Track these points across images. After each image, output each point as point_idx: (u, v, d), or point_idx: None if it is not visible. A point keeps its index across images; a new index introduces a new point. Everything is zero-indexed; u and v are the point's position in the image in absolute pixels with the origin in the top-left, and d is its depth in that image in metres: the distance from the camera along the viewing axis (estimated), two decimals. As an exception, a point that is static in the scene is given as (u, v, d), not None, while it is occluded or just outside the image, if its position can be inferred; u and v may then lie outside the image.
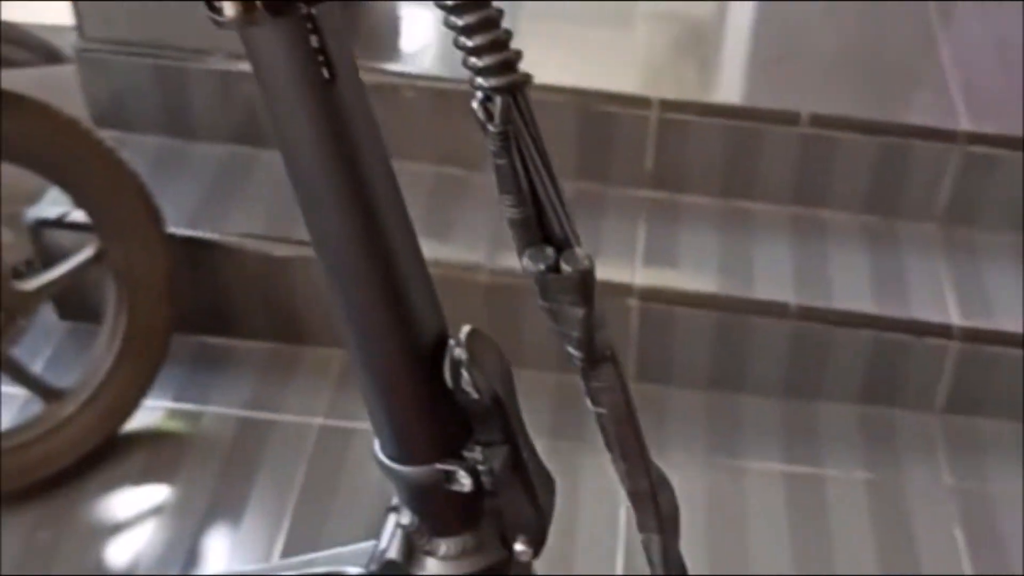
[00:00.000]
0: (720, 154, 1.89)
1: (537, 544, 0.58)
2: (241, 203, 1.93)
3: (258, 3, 0.47)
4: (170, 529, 1.71)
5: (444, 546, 0.58)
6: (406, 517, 0.58)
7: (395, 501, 0.62)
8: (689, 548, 0.59)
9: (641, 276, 1.80)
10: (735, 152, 1.90)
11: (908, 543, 1.67)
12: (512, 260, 1.69)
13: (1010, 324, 1.76)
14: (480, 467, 0.55)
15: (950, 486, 1.75)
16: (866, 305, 1.76)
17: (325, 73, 0.49)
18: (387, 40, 2.05)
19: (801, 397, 1.85)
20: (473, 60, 0.46)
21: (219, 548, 1.71)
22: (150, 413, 1.85)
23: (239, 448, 1.82)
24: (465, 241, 1.87)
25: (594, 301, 0.46)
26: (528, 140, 0.47)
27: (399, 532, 0.58)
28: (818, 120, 1.82)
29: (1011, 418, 1.83)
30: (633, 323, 1.80)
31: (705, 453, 1.78)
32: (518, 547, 0.58)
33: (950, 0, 2.18)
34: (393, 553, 0.58)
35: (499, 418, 0.54)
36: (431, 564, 0.58)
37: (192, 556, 1.68)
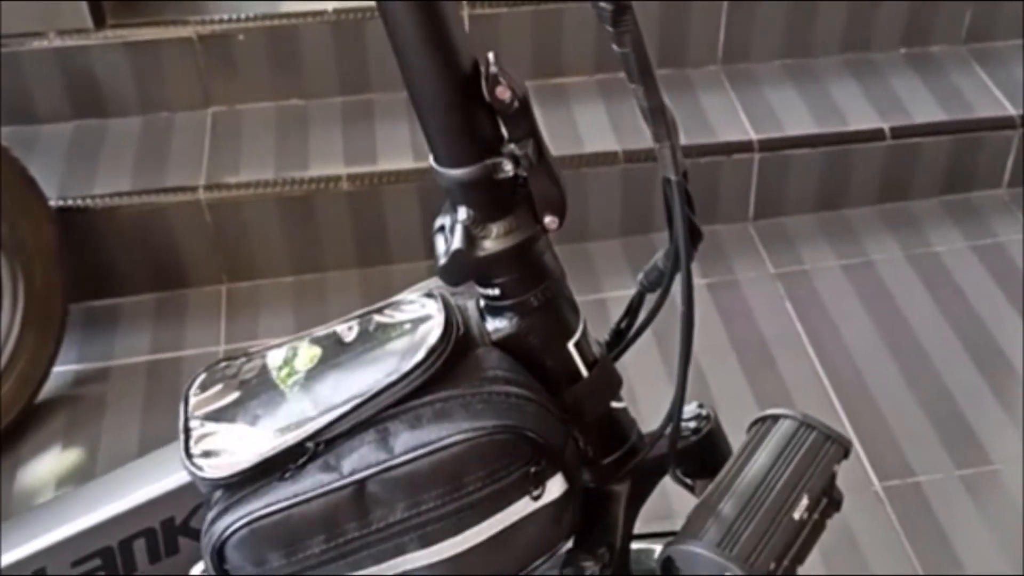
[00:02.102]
0: (530, 37, 2.13)
1: (561, 216, 0.80)
2: (103, 169, 2.04)
3: None
4: (109, 476, 1.83)
5: (495, 228, 0.79)
6: (463, 214, 0.78)
7: (438, 223, 0.82)
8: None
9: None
10: (543, 32, 2.14)
11: (751, 324, 1.99)
12: (369, 167, 1.89)
13: (794, 130, 2.09)
14: (518, 154, 0.76)
15: (774, 274, 2.08)
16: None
17: None
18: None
19: (636, 232, 2.13)
20: None
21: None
22: (59, 379, 1.96)
23: (154, 390, 1.94)
24: (321, 159, 2.05)
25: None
26: None
27: (459, 227, 0.79)
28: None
29: (808, 210, 2.18)
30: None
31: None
32: (547, 219, 0.80)
33: None
34: (458, 243, 0.78)
35: (525, 116, 0.76)
36: (487, 244, 0.78)
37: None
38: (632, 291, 0.89)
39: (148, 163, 2.05)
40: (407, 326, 0.83)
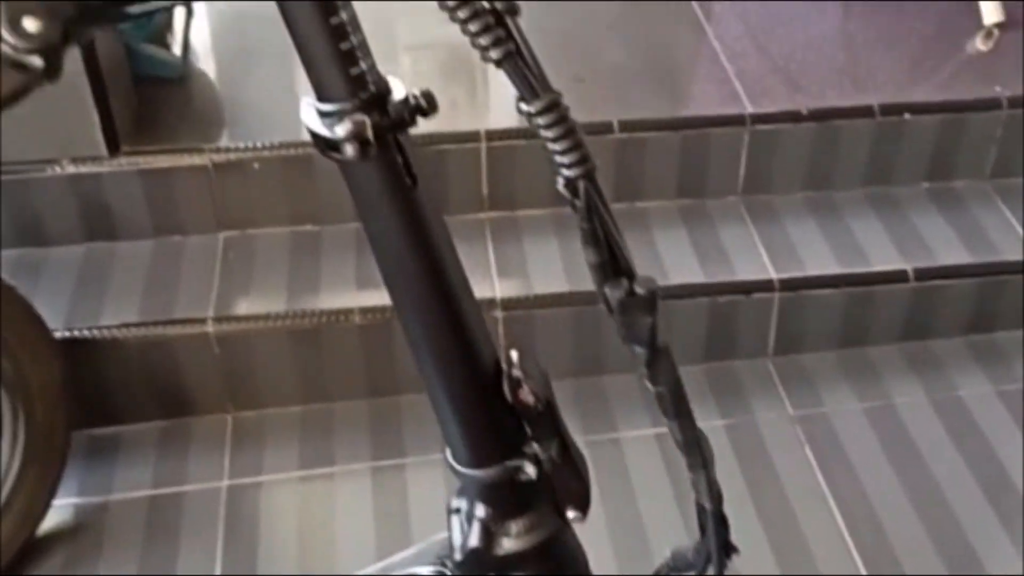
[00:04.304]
0: (547, 169, 2.08)
1: (584, 509, 0.75)
2: (110, 296, 2.00)
3: (371, 143, 0.60)
4: (104, 618, 1.77)
5: (514, 526, 0.74)
6: (481, 510, 0.74)
7: (454, 504, 0.78)
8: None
9: (500, 289, 1.99)
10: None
11: (769, 469, 1.93)
12: (380, 299, 1.84)
13: (817, 269, 2.05)
14: (541, 457, 0.72)
15: (793, 416, 2.02)
16: (696, 276, 2.00)
17: (409, 181, 0.63)
18: (220, 119, 2.16)
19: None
20: (558, 158, 0.60)
21: (157, 625, 1.79)
22: (59, 513, 1.91)
23: (154, 526, 1.89)
24: (334, 288, 2.01)
25: (659, 311, 0.64)
26: (601, 207, 0.63)
27: (476, 523, 0.74)
28: (627, 126, 2.06)
29: (828, 349, 2.13)
30: (499, 331, 1.99)
31: (582, 432, 1.97)
32: (570, 514, 0.75)
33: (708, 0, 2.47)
34: (475, 542, 0.74)
35: (550, 417, 0.72)
36: (506, 543, 0.74)
37: (132, 638, 1.76)
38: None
39: (157, 290, 2.01)
40: (417, 609, 0.78)
